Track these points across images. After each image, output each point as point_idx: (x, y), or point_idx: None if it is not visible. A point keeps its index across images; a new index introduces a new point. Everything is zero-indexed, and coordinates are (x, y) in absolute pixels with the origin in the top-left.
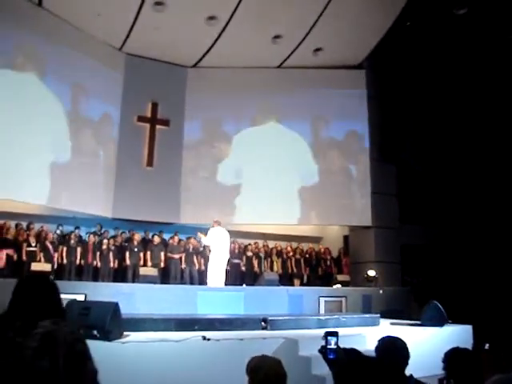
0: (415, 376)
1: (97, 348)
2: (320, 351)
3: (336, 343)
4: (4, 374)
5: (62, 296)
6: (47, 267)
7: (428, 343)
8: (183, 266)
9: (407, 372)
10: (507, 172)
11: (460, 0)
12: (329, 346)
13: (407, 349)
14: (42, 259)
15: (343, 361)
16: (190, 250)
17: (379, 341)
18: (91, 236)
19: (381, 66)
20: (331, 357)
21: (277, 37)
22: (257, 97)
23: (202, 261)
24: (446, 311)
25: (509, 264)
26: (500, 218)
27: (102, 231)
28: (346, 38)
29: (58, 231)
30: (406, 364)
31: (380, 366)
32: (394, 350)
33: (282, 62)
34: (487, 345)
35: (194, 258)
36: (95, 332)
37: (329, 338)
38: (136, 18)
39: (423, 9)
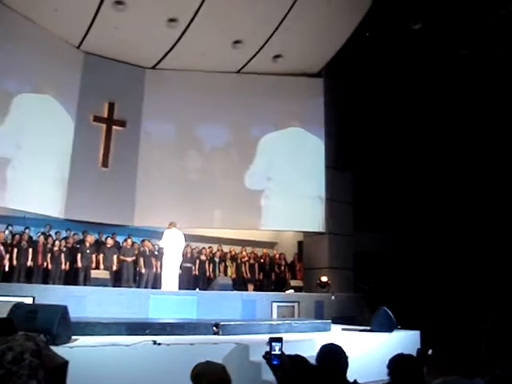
0: (363, 381)
1: None
2: (264, 357)
3: (280, 349)
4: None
5: (9, 299)
6: None
7: (377, 349)
8: (142, 269)
9: (352, 377)
10: (458, 182)
11: (416, 15)
12: (273, 352)
13: (345, 354)
14: None
15: (287, 367)
16: (147, 252)
17: (319, 349)
18: (41, 237)
19: (339, 74)
20: (275, 362)
21: (237, 42)
22: (215, 101)
23: (159, 264)
24: (397, 317)
25: (456, 270)
26: (449, 228)
27: (54, 232)
28: (306, 46)
29: (7, 232)
30: (346, 368)
31: (322, 372)
32: (332, 356)
33: (241, 68)
34: (430, 350)
35: (153, 260)
36: (42, 336)
37: (273, 343)
38: (95, 16)
39: (382, 21)
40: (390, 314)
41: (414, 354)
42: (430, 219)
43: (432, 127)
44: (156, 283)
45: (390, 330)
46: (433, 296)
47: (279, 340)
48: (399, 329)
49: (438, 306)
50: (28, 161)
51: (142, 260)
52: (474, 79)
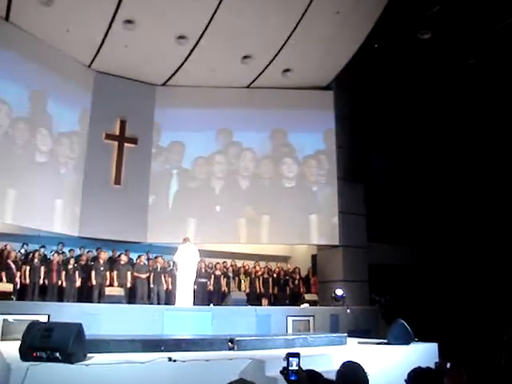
0: None
1: (59, 371)
2: (282, 372)
3: (298, 364)
4: None
5: (25, 317)
6: (9, 287)
7: (394, 362)
8: (151, 285)
9: None
10: (474, 192)
11: (424, 25)
12: (290, 368)
13: (365, 373)
14: (4, 279)
15: (305, 382)
16: (158, 269)
17: (340, 366)
18: (55, 255)
19: (349, 86)
20: (293, 378)
21: (246, 57)
22: (225, 116)
23: (170, 280)
24: (413, 329)
25: (474, 281)
26: (466, 238)
27: (67, 250)
28: (315, 60)
29: (23, 250)
30: None
31: None
32: (352, 375)
33: (251, 82)
34: (449, 363)
35: (162, 277)
36: (57, 354)
37: (290, 359)
38: (106, 36)
39: (390, 32)
40: (407, 326)
41: (432, 367)
42: (446, 229)
43: (444, 136)
44: (169, 299)
45: (406, 342)
46: (450, 307)
47: (297, 355)
48: (416, 341)
49: (455, 317)
50: (42, 179)
51: (155, 276)
52: (482, 88)
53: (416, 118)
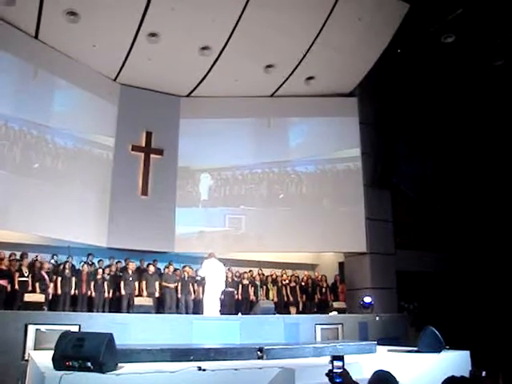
0: None
1: (91, 380)
2: (327, 375)
3: (342, 367)
4: None
5: (57, 327)
6: (41, 298)
7: (426, 370)
8: (179, 295)
9: None
10: (500, 198)
11: (447, 29)
12: (335, 370)
13: (396, 382)
14: (38, 289)
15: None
16: (186, 278)
17: (372, 375)
18: (85, 266)
19: (373, 93)
20: (338, 381)
21: (269, 66)
22: (250, 125)
23: (200, 289)
24: (443, 337)
25: (505, 286)
26: (497, 242)
27: (97, 260)
28: (338, 67)
29: (53, 261)
30: None
31: None
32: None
33: (274, 91)
34: (484, 372)
35: (190, 286)
36: (89, 364)
37: (335, 362)
38: (130, 49)
39: (413, 37)
40: (437, 333)
41: (466, 375)
42: (475, 234)
43: (471, 140)
44: (197, 309)
45: (438, 350)
46: (481, 314)
47: (341, 358)
48: (447, 349)
49: (487, 324)
50: (71, 192)
51: (182, 286)
52: (510, 90)
53: (442, 122)
